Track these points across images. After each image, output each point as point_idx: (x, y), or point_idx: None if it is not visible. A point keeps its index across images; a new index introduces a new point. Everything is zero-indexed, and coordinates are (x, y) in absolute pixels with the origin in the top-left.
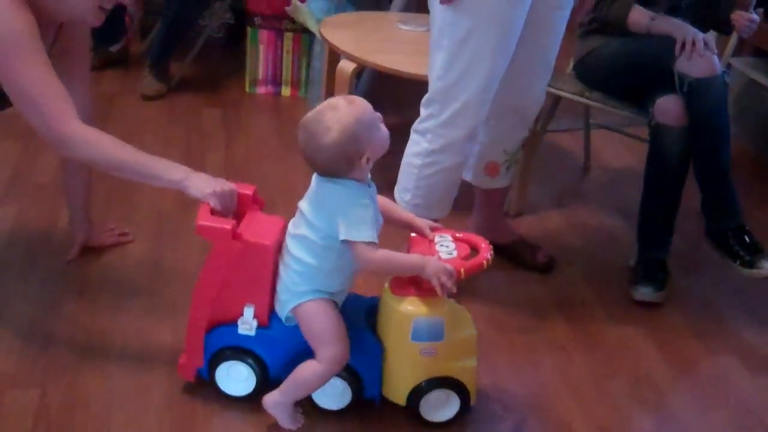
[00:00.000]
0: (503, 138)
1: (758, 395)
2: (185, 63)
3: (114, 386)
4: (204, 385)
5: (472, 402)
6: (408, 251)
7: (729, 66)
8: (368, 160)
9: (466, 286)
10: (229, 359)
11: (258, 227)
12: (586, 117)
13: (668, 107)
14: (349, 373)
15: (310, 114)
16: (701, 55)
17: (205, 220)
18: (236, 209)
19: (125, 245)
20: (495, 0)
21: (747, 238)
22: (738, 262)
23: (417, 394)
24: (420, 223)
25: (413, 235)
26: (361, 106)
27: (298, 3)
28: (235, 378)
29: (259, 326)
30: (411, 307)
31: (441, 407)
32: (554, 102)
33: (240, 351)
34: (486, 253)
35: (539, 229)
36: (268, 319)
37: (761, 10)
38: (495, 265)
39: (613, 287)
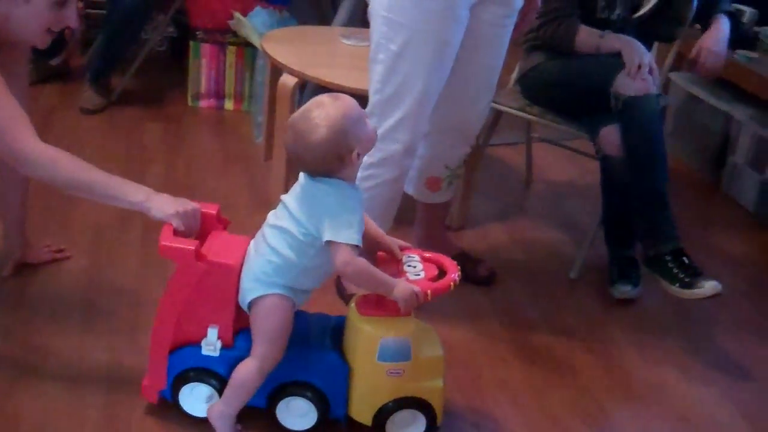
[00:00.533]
0: (445, 154)
1: (695, 405)
2: (126, 76)
3: (48, 405)
4: (140, 404)
5: (439, 422)
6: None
7: (668, 80)
8: (358, 155)
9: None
10: (192, 380)
11: (222, 247)
12: (528, 131)
13: (612, 139)
14: (315, 393)
15: (296, 113)
16: (644, 78)
17: (168, 240)
18: (200, 229)
19: (62, 261)
20: (430, 15)
21: (686, 260)
22: (677, 285)
23: (383, 414)
24: (389, 241)
25: (381, 253)
26: (347, 101)
27: (241, 17)
28: (199, 399)
29: (223, 347)
30: (378, 328)
31: (407, 427)
32: (496, 116)
33: (204, 372)
34: (453, 274)
35: (482, 242)
36: (233, 339)
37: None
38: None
39: (554, 300)
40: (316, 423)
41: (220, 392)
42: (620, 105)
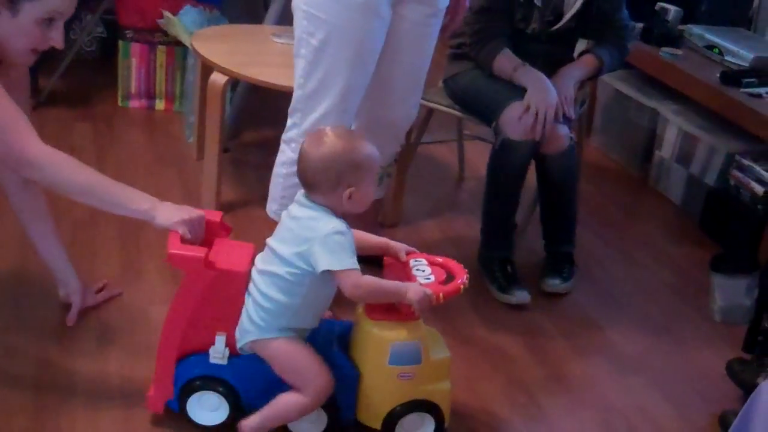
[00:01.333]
0: None
1: (624, 395)
2: (54, 77)
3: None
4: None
5: (446, 424)
6: (383, 275)
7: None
8: (348, 196)
9: (339, 299)
10: (200, 389)
11: (228, 254)
12: (459, 128)
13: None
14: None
15: (340, 127)
16: (527, 124)
17: (176, 248)
18: (204, 236)
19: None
20: (350, 11)
21: (509, 269)
22: (495, 286)
23: (393, 417)
24: (395, 246)
25: (387, 258)
26: (375, 152)
27: (171, 16)
28: (207, 407)
29: (231, 354)
30: (388, 332)
31: (416, 430)
32: (427, 114)
33: (211, 380)
34: (462, 277)
35: (415, 239)
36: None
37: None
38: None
39: (487, 293)
40: (325, 428)
41: (229, 400)
42: (497, 142)
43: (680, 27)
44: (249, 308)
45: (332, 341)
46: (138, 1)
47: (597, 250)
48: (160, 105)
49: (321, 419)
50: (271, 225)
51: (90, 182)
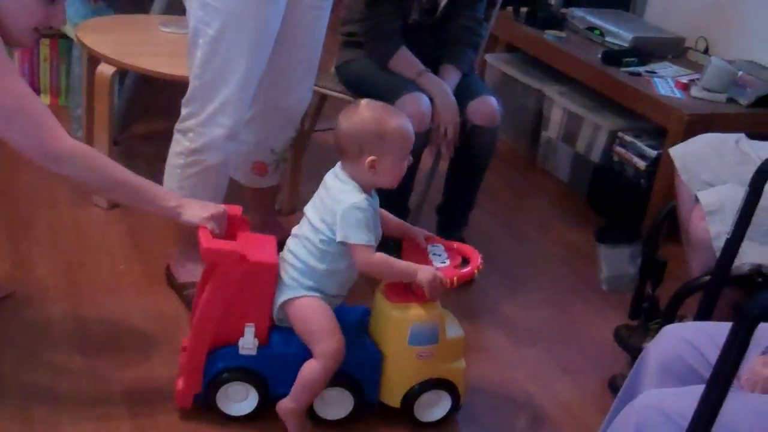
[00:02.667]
0: (270, 138)
1: (521, 365)
2: None
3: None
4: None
5: (462, 401)
6: (402, 258)
7: (484, 61)
8: (370, 165)
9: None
10: (230, 380)
11: (254, 246)
12: None
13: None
14: (350, 380)
15: (379, 102)
16: (446, 150)
17: (211, 243)
18: (227, 230)
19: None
20: (245, 1)
21: None
22: None
23: (412, 396)
24: (414, 231)
25: (406, 243)
26: (409, 125)
27: None
28: (236, 399)
29: (260, 345)
30: (408, 313)
31: (433, 407)
32: (321, 100)
33: (241, 371)
34: (477, 262)
35: None
36: (267, 336)
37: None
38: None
39: None
40: (352, 410)
41: (258, 390)
42: None
43: (563, 10)
44: (281, 271)
45: (355, 326)
46: None
47: (491, 229)
48: (45, 99)
49: (347, 402)
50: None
51: (118, 179)
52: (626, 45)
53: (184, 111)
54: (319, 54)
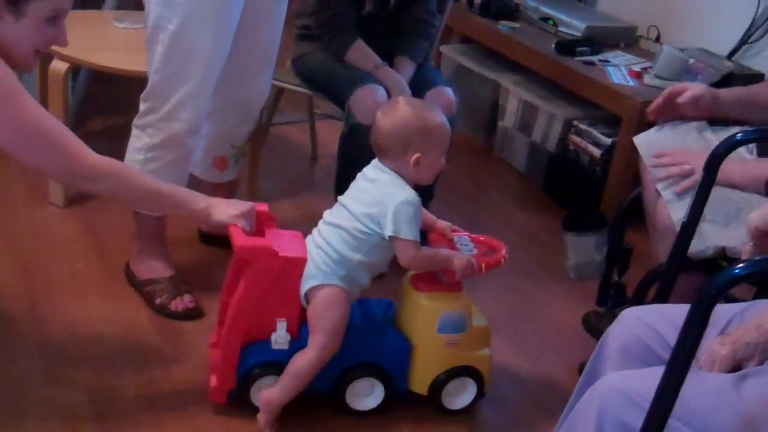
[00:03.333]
0: (230, 132)
1: None
2: None
3: None
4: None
5: (486, 389)
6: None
7: (440, 53)
8: (416, 162)
9: (202, 282)
10: (263, 375)
11: (283, 242)
12: (310, 108)
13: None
14: (381, 371)
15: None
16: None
17: (244, 241)
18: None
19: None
20: None
21: None
22: None
23: (439, 383)
24: (441, 224)
25: (433, 234)
26: (446, 123)
27: None
28: None
29: (291, 339)
30: (436, 302)
31: (459, 395)
32: (278, 93)
33: (274, 365)
34: (503, 251)
35: None
36: (298, 330)
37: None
38: (228, 258)
39: None
40: (383, 400)
41: None
42: (346, 126)
43: (516, 1)
44: (314, 256)
45: (381, 316)
46: None
47: (450, 219)
48: None
49: (378, 392)
50: (124, 214)
51: (147, 189)
52: (579, 34)
53: (143, 106)
54: (276, 46)
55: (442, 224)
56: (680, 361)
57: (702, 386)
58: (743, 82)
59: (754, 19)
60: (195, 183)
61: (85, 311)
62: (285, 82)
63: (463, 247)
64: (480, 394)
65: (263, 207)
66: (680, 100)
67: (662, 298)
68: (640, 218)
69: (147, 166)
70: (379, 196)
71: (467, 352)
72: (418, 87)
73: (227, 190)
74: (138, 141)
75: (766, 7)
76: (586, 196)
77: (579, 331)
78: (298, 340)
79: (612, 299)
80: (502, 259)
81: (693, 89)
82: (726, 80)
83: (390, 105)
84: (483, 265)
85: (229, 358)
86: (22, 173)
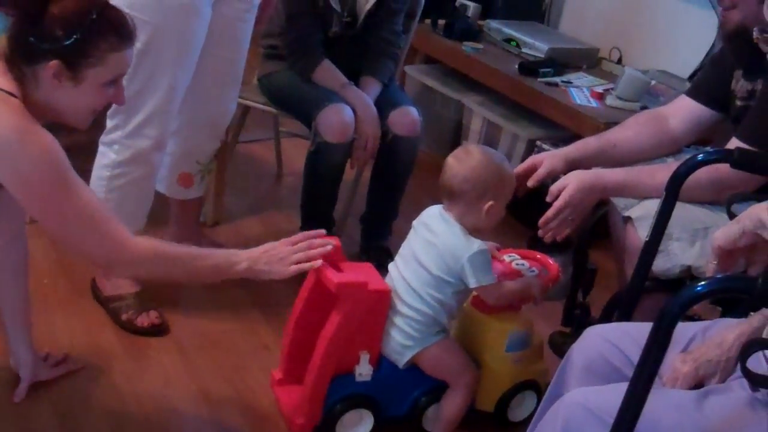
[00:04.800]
0: (195, 149)
1: None
2: None
3: None
4: None
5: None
6: None
7: (404, 73)
8: (488, 209)
9: (167, 298)
10: (349, 408)
11: (365, 274)
12: (276, 126)
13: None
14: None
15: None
16: (361, 161)
17: (339, 278)
18: (330, 259)
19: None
20: (172, 12)
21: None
22: None
23: (505, 399)
24: (488, 245)
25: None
26: (510, 168)
27: None
28: (351, 425)
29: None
30: (505, 323)
31: (520, 407)
32: (243, 112)
33: (358, 398)
34: (556, 267)
35: (237, 236)
36: (378, 360)
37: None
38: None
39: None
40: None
41: (375, 414)
42: (313, 144)
43: (480, 22)
44: (400, 324)
45: None
46: None
47: None
48: None
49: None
50: None
51: (186, 269)
52: (542, 56)
53: (109, 123)
54: (242, 65)
55: (489, 245)
56: (643, 378)
57: (665, 403)
58: None
59: (714, 41)
60: (162, 200)
61: (51, 327)
62: (251, 100)
63: (522, 267)
64: (537, 404)
65: (334, 240)
66: (530, 183)
67: (626, 316)
68: (604, 238)
69: (113, 182)
70: (449, 250)
71: (529, 367)
72: (383, 106)
73: (193, 207)
74: (104, 158)
75: None
76: None
77: (544, 351)
78: (379, 371)
79: (577, 319)
80: (560, 276)
81: (541, 169)
82: None
83: (464, 151)
84: (550, 285)
85: (318, 394)
86: None
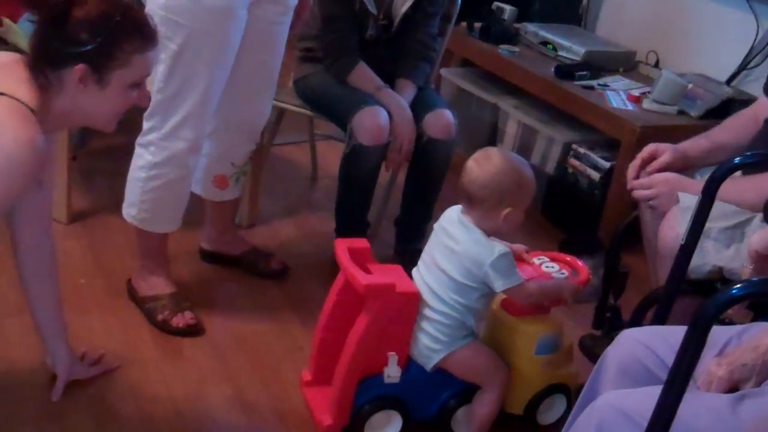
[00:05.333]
0: (230, 151)
1: None
2: None
3: None
4: None
5: (573, 402)
6: None
7: (440, 76)
8: (506, 216)
9: (203, 299)
10: (378, 410)
11: (394, 277)
12: (311, 128)
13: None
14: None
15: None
16: (395, 164)
17: (368, 279)
18: (360, 262)
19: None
20: (208, 15)
21: None
22: None
23: (535, 402)
24: (516, 248)
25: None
26: (534, 179)
27: (11, 23)
28: (380, 427)
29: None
30: (535, 326)
31: (549, 410)
32: (279, 114)
33: (386, 399)
34: (587, 269)
35: (273, 238)
36: (406, 362)
37: None
38: (229, 275)
39: None
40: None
41: (402, 415)
42: (348, 147)
43: (516, 25)
44: (427, 328)
45: None
46: None
47: None
48: None
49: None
50: (126, 231)
51: None
52: (578, 59)
53: (146, 125)
54: (278, 68)
55: (518, 248)
56: (678, 381)
57: (699, 406)
58: (742, 107)
59: (753, 44)
60: (197, 201)
61: (87, 327)
62: (286, 102)
63: (551, 269)
64: (568, 407)
65: (364, 243)
66: (649, 169)
67: (660, 320)
68: (636, 241)
69: (149, 183)
70: (470, 256)
71: (559, 370)
72: (419, 109)
73: (229, 209)
74: (140, 159)
75: (766, 32)
76: (584, 219)
77: (576, 353)
78: (407, 372)
79: (608, 322)
80: (590, 278)
81: (664, 157)
82: (725, 105)
83: (484, 156)
84: (581, 287)
85: (346, 396)
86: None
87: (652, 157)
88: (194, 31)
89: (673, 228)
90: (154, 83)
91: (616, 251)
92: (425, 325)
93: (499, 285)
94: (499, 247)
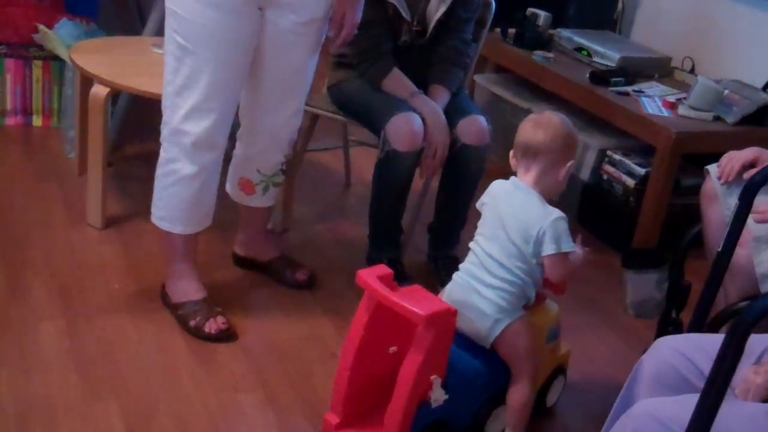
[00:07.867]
0: (256, 157)
1: None
2: None
3: None
4: None
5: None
6: None
7: (473, 82)
8: (569, 169)
9: (236, 304)
10: None
11: (428, 301)
12: (344, 135)
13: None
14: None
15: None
16: (430, 170)
17: (424, 309)
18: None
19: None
20: (208, 10)
21: (398, 268)
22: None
23: (545, 386)
24: None
25: None
26: None
27: (47, 29)
28: None
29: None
30: (542, 318)
31: (552, 392)
32: (313, 120)
33: (439, 425)
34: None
35: (306, 244)
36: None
37: None
38: (262, 281)
39: None
40: (488, 411)
41: None
42: (382, 152)
43: (550, 31)
44: (492, 297)
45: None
46: (11, 15)
47: None
48: (37, 121)
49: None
50: (159, 237)
51: None
52: (613, 65)
53: (162, 120)
54: (302, 78)
55: None
56: (715, 389)
57: (736, 414)
58: None
59: None
60: (234, 206)
61: (121, 331)
62: (320, 108)
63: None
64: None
65: (386, 270)
66: (745, 176)
67: (697, 326)
68: (698, 257)
69: (163, 180)
70: (529, 222)
71: (558, 353)
72: (452, 115)
73: (257, 216)
74: (159, 157)
75: None
76: (619, 226)
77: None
78: (448, 391)
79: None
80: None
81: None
82: (761, 112)
83: (541, 117)
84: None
85: (405, 426)
86: (62, 196)
87: (755, 162)
88: (196, 25)
89: (745, 245)
90: (165, 75)
91: (680, 265)
92: (490, 293)
93: (552, 248)
94: (558, 210)
